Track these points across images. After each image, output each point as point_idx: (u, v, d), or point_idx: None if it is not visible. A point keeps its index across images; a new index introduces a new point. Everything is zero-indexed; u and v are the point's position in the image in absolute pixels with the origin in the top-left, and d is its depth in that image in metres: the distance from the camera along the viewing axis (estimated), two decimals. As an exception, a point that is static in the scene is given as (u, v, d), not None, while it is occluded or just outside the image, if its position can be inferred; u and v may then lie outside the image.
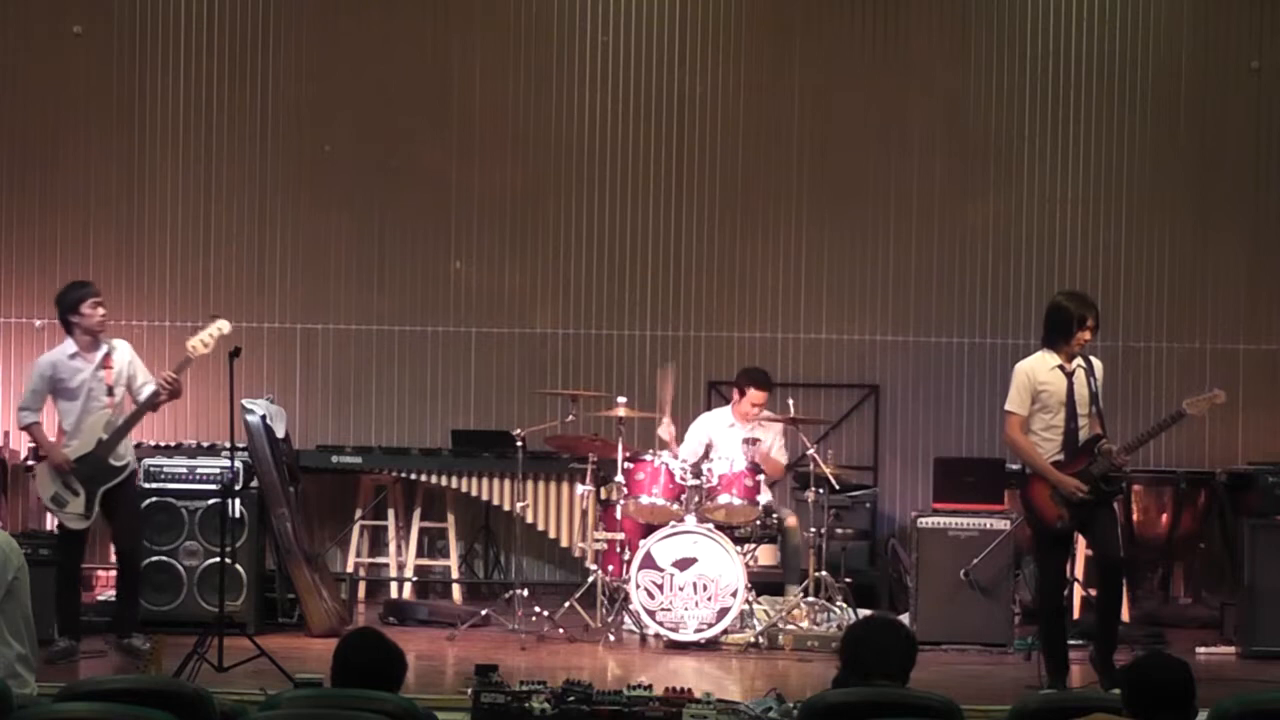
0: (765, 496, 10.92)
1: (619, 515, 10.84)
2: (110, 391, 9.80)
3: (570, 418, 11.06)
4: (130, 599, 9.95)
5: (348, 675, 5.67)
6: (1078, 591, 11.16)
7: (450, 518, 12.15)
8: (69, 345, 9.88)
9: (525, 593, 10.76)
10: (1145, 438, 9.39)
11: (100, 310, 9.86)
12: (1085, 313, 9.00)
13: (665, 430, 11.12)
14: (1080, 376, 9.04)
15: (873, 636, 5.87)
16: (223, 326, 9.84)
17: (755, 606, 10.61)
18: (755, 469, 10.63)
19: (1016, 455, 9.56)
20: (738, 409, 11.20)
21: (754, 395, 11.11)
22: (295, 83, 12.71)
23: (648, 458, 10.72)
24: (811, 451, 10.76)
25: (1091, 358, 9.16)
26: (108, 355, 9.84)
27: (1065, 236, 12.64)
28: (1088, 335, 9.02)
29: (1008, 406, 9.15)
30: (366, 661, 5.70)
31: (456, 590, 12.24)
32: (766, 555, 11.29)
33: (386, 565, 12.23)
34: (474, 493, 11.70)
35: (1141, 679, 5.35)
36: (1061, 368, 9.05)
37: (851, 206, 12.73)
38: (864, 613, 10.14)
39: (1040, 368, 9.08)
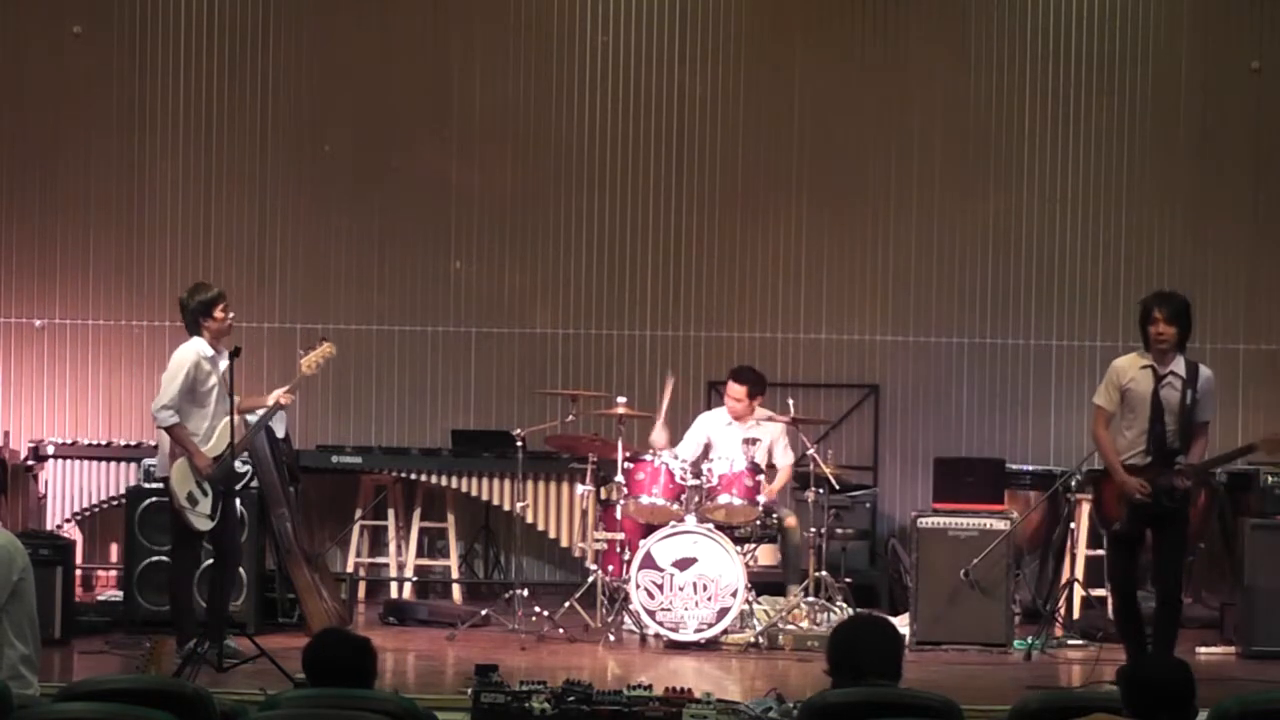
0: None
1: (619, 515, 10.85)
2: (230, 396, 9.46)
3: (570, 418, 11.06)
4: (224, 603, 9.62)
5: (321, 676, 5.66)
6: (1078, 591, 11.16)
7: (450, 518, 12.15)
8: (203, 346, 9.43)
9: (525, 593, 10.76)
10: (1212, 464, 9.37)
11: (230, 314, 9.55)
12: (1150, 304, 8.98)
13: (659, 435, 11.14)
14: (1173, 383, 8.92)
15: (865, 636, 5.84)
16: (330, 350, 9.93)
17: (755, 606, 10.61)
18: (755, 469, 10.63)
19: (1096, 449, 9.35)
20: (729, 407, 11.22)
21: (731, 389, 11.15)
22: (295, 83, 12.71)
23: (648, 458, 10.72)
24: (811, 451, 10.76)
25: (1202, 366, 9.04)
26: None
27: (1065, 236, 12.64)
28: (1161, 329, 8.89)
29: (1094, 399, 9.15)
30: (337, 659, 5.70)
31: (456, 590, 12.23)
32: (766, 555, 11.29)
33: (386, 565, 12.23)
34: (474, 493, 11.71)
35: (1141, 679, 5.35)
36: (1153, 369, 8.95)
37: (851, 206, 12.72)
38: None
39: (1130, 366, 9.02)
